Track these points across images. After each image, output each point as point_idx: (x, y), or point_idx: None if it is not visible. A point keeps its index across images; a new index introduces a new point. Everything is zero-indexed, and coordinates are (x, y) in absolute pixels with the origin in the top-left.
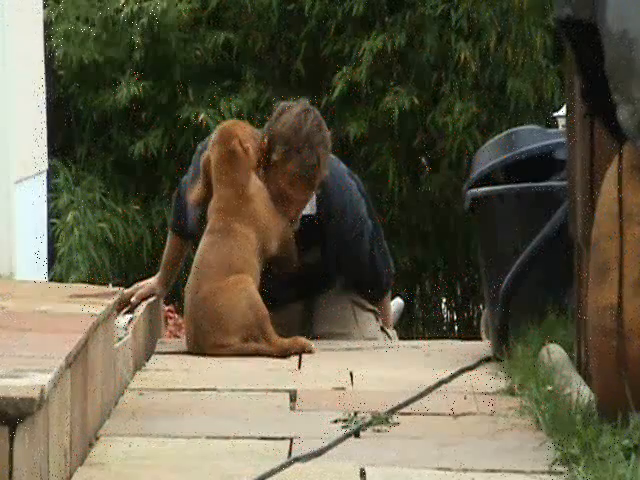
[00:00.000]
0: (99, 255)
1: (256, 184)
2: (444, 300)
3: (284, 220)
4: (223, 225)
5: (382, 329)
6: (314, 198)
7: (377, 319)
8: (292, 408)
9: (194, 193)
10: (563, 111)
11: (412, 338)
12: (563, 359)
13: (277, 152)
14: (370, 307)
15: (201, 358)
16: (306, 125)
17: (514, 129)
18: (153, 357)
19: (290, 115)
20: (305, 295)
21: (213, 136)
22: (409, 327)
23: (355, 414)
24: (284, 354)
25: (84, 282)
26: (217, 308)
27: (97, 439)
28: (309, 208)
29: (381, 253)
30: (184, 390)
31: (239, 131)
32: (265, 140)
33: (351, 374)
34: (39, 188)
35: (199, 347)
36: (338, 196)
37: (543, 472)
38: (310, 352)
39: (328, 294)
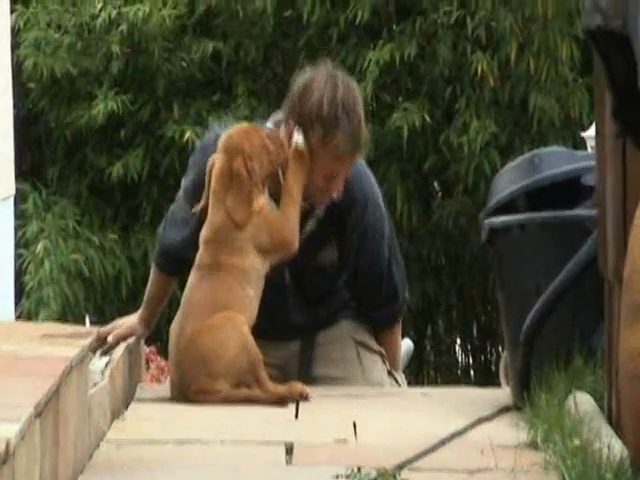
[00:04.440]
0: (72, 290)
1: (257, 203)
2: (458, 342)
3: (287, 220)
4: (211, 260)
5: (389, 373)
6: None
7: (384, 361)
8: (288, 462)
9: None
10: (592, 131)
11: (423, 384)
12: (592, 409)
13: (315, 134)
14: (376, 348)
15: (186, 406)
16: (337, 93)
17: (537, 151)
18: (132, 405)
19: (318, 89)
20: (306, 326)
21: (220, 141)
22: (419, 372)
23: (359, 470)
24: (279, 402)
25: (56, 320)
26: (203, 349)
27: None
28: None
29: (398, 265)
30: (167, 442)
31: (246, 145)
32: (292, 127)
33: (354, 424)
34: (5, 215)
35: (184, 394)
36: (360, 185)
37: None
38: (307, 399)
39: (329, 332)
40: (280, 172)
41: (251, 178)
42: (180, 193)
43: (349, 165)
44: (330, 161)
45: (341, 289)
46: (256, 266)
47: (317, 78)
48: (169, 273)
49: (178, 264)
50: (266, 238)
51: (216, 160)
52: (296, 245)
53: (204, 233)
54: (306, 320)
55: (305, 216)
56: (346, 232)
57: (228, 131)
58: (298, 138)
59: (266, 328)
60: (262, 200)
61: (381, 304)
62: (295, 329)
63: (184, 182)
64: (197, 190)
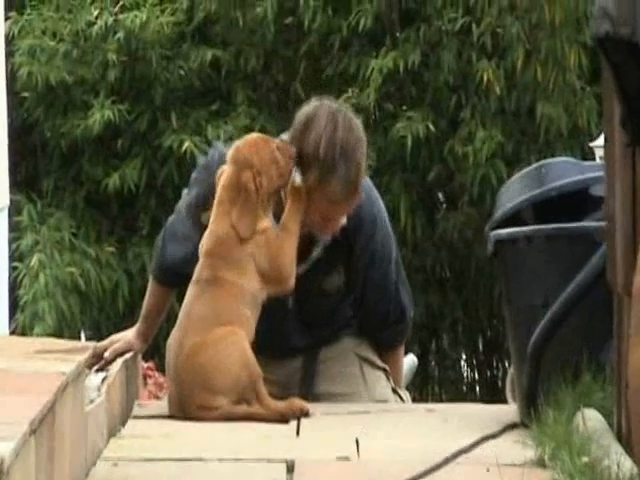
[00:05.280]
0: (68, 304)
1: (261, 224)
2: (464, 357)
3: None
4: (209, 274)
5: (393, 390)
6: None
7: (388, 378)
8: None
9: (207, 214)
10: (601, 140)
11: (427, 400)
12: (601, 426)
13: (311, 175)
14: (381, 365)
15: (185, 423)
16: (337, 134)
17: (544, 161)
18: (130, 422)
19: (317, 127)
20: (307, 347)
21: (229, 153)
22: (423, 388)
23: None
24: (279, 419)
25: (51, 335)
26: (203, 364)
27: None
28: None
29: (404, 285)
30: (165, 460)
31: (255, 159)
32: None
33: (357, 442)
34: None
35: (182, 410)
36: (367, 208)
37: None
38: (307, 415)
39: (332, 349)
40: (283, 193)
41: (258, 193)
42: (181, 207)
43: (346, 208)
44: (325, 204)
45: (344, 307)
46: (253, 290)
47: (319, 114)
48: (168, 286)
49: (178, 278)
50: (265, 261)
51: (224, 171)
52: (291, 284)
53: (205, 244)
54: (307, 342)
55: (311, 242)
56: (353, 257)
57: (237, 142)
58: (295, 176)
59: (266, 346)
60: (266, 223)
61: (388, 326)
62: (295, 350)
63: (186, 197)
64: (201, 207)
